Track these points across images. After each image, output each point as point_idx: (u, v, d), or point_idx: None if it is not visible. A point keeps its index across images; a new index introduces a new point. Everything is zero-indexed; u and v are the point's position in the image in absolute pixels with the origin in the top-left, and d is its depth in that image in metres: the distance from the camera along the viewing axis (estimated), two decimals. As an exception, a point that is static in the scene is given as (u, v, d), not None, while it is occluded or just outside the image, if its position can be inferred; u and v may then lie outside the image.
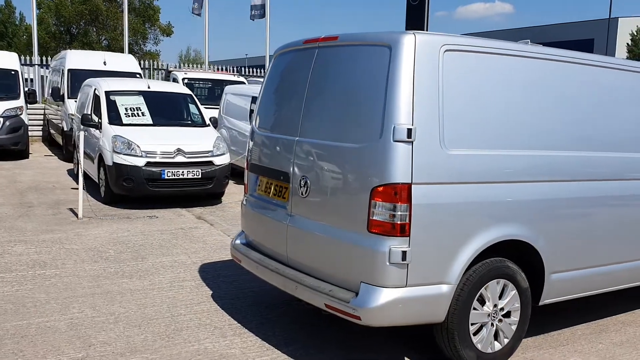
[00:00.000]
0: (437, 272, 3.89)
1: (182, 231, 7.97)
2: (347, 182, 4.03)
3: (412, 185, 3.73)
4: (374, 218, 3.79)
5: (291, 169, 4.44)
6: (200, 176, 9.34)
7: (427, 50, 3.83)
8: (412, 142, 3.71)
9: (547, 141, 4.34)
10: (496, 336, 4.24)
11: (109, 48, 41.54)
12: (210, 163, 9.47)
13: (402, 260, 3.74)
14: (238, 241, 5.16)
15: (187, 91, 11.18)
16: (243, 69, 23.85)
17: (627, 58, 49.03)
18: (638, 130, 4.96)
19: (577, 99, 4.55)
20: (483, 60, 4.08)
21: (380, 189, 3.75)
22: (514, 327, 4.31)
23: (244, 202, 5.23)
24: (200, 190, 9.51)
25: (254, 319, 5.01)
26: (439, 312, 3.93)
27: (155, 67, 23.70)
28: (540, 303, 4.48)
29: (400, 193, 3.71)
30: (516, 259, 4.27)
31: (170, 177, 9.13)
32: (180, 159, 9.25)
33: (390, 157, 3.73)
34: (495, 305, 4.19)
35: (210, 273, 6.22)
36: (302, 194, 4.31)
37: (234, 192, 10.75)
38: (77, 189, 9.47)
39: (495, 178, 4.08)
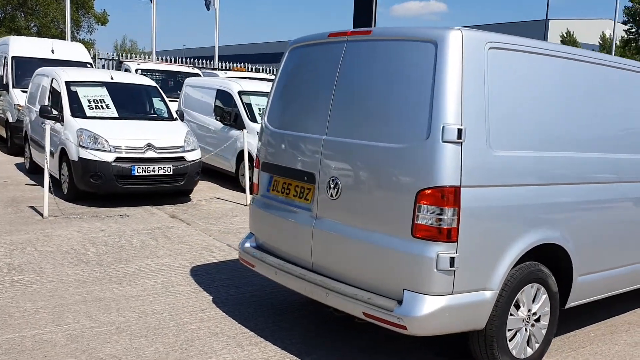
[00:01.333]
0: (481, 277, 3.76)
1: (160, 231, 7.56)
2: (388, 184, 3.82)
3: (461, 188, 3.58)
4: (419, 222, 3.62)
5: (318, 170, 4.21)
6: (171, 172, 8.92)
7: (473, 47, 3.68)
8: (461, 143, 3.56)
9: (580, 143, 4.29)
10: (528, 341, 4.16)
11: (39, 35, 39.51)
12: (182, 159, 9.06)
13: (450, 267, 3.58)
14: (248, 244, 4.87)
15: (152, 83, 10.69)
16: (196, 60, 23.16)
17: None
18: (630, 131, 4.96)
19: (602, 101, 4.54)
20: (523, 58, 3.98)
21: (427, 191, 3.58)
22: (544, 332, 4.24)
23: (253, 203, 4.95)
24: (171, 187, 9.09)
25: (267, 326, 4.75)
26: (481, 319, 3.81)
27: (92, 56, 22.63)
28: (567, 306, 4.44)
29: (448, 196, 3.55)
30: (546, 262, 4.20)
31: (141, 174, 8.68)
32: (150, 154, 8.80)
33: (439, 159, 3.56)
34: (529, 310, 4.10)
35: (204, 277, 5.89)
36: (331, 196, 4.08)
37: (202, 189, 10.37)
38: (33, 185, 8.86)
39: (536, 180, 3.99)
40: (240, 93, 11.14)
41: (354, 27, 23.98)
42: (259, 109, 11.05)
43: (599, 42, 61.90)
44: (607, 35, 62.82)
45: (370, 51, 4.08)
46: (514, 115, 3.89)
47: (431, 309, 3.58)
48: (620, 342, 4.88)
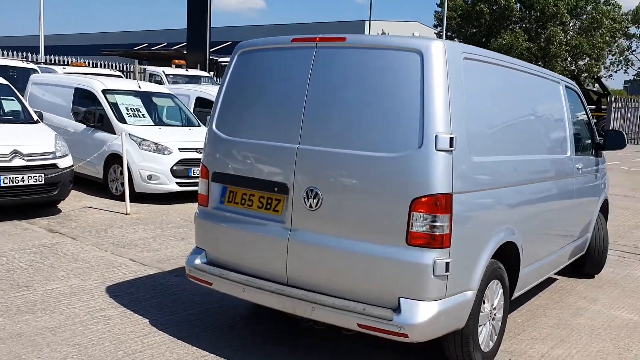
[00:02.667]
0: (465, 279, 3.90)
1: (47, 249, 6.77)
2: (378, 193, 3.80)
3: (453, 195, 3.68)
4: (414, 230, 3.66)
5: (291, 180, 4.06)
6: (43, 182, 8.02)
7: (453, 57, 3.80)
8: (452, 151, 3.65)
9: (527, 146, 4.64)
10: (491, 334, 4.40)
11: None
12: (54, 166, 8.19)
13: (445, 272, 3.67)
14: (198, 261, 4.55)
15: (3, 80, 9.49)
16: (16, 53, 20.90)
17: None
18: (556, 133, 5.52)
19: (535, 107, 4.95)
20: (488, 69, 4.19)
21: (423, 199, 3.63)
22: (500, 324, 4.51)
23: (200, 216, 4.63)
24: (43, 198, 8.18)
25: (225, 345, 4.49)
26: (464, 318, 3.95)
27: None
28: (512, 297, 4.77)
29: (442, 204, 3.64)
30: (500, 258, 4.47)
31: (8, 185, 7.69)
32: (18, 162, 7.83)
33: (433, 167, 3.63)
34: (492, 305, 4.34)
35: (125, 297, 5.40)
36: (310, 207, 3.96)
37: (67, 198, 9.45)
38: None
39: (503, 183, 4.24)
40: (104, 92, 10.34)
41: (188, 22, 23.59)
42: (127, 108, 10.35)
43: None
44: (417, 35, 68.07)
45: (346, 58, 4.01)
46: (483, 123, 4.09)
47: (430, 315, 3.65)
48: (545, 325, 5.35)
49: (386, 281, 3.75)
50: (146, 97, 10.95)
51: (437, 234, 3.64)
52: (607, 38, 44.32)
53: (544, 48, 43.44)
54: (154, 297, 5.45)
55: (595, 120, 30.51)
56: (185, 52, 31.06)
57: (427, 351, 4.49)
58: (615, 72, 49.72)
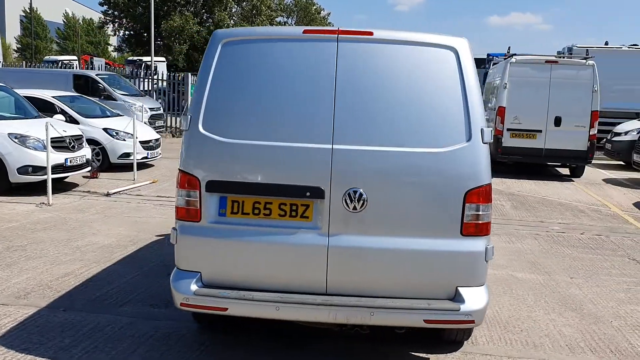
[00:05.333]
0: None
1: None
2: (429, 188, 3.80)
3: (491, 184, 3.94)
4: (468, 221, 3.82)
5: (328, 182, 3.78)
6: None
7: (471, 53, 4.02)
8: (489, 143, 3.90)
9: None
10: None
11: None
12: None
13: (492, 256, 3.94)
14: (194, 286, 3.89)
15: None
16: None
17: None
18: None
19: None
20: None
21: (475, 190, 3.81)
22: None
23: (188, 233, 3.95)
24: None
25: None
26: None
27: None
28: None
29: (489, 193, 3.88)
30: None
31: None
32: None
33: (481, 159, 3.82)
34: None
35: (29, 346, 4.28)
36: (354, 209, 3.77)
37: None
38: None
39: None
40: None
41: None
42: None
43: (64, 21, 62.18)
44: (70, 14, 63.67)
45: (374, 53, 3.87)
46: None
47: (486, 298, 3.88)
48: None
49: (443, 273, 3.84)
50: None
51: (485, 222, 3.87)
52: (267, 24, 48.09)
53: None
54: (75, 347, 4.42)
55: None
56: None
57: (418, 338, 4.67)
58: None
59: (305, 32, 3.92)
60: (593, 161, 14.47)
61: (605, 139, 16.25)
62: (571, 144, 13.51)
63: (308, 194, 3.80)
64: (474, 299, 3.81)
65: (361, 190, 3.77)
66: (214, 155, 3.91)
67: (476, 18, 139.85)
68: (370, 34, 3.88)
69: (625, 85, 18.59)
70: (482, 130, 3.81)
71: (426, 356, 4.47)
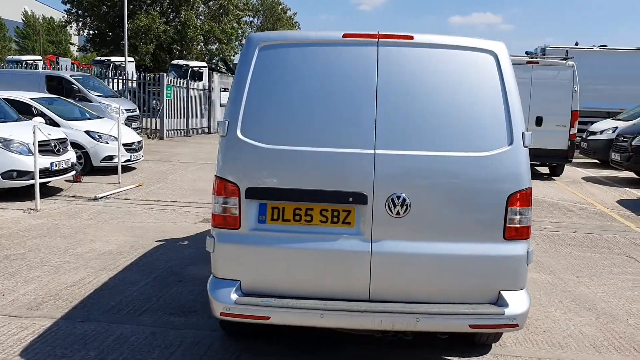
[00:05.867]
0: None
1: None
2: (472, 192, 3.79)
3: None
4: (510, 225, 3.82)
5: (371, 188, 3.74)
6: None
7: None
8: (528, 147, 3.92)
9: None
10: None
11: None
12: None
13: (532, 259, 3.95)
14: (235, 295, 3.81)
15: None
16: None
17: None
18: None
19: None
20: None
21: (517, 195, 3.81)
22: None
23: (228, 241, 3.86)
24: None
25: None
26: None
27: None
28: None
29: (529, 197, 3.89)
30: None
31: None
32: None
33: (522, 163, 3.83)
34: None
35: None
36: (397, 214, 3.74)
37: None
38: None
39: None
40: None
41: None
42: None
43: (23, 19, 60.71)
44: (30, 13, 62.15)
45: (415, 57, 3.84)
46: None
47: (528, 301, 3.89)
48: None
49: (486, 278, 3.83)
50: None
51: (526, 225, 3.88)
52: (234, 24, 47.76)
53: (181, 31, 44.45)
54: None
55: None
56: None
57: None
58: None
59: (345, 36, 3.87)
60: (569, 159, 14.78)
61: (580, 138, 16.60)
62: (552, 143, 13.75)
63: (351, 199, 3.76)
64: (516, 302, 3.82)
65: (404, 195, 3.75)
66: (254, 162, 3.83)
67: (439, 18, 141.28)
68: (411, 37, 3.86)
69: (596, 85, 19.02)
70: (523, 133, 3.82)
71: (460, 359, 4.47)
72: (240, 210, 3.83)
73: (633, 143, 13.18)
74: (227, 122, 3.86)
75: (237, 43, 51.90)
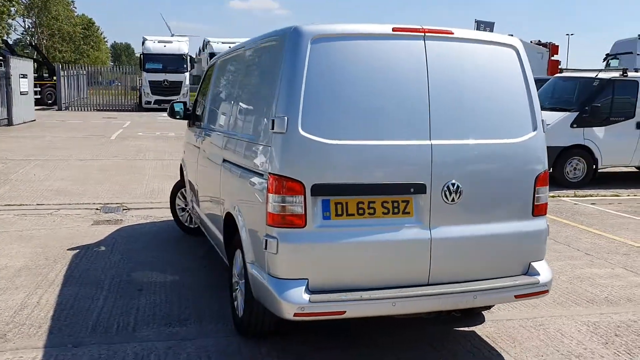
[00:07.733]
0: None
1: None
2: (510, 176, 4.12)
3: (545, 169, 4.42)
4: (537, 203, 4.25)
5: (429, 178, 3.89)
6: None
7: (519, 50, 4.44)
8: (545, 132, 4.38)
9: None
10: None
11: None
12: None
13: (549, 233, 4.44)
14: (306, 295, 3.72)
15: None
16: None
17: None
18: None
19: None
20: None
21: (542, 175, 4.26)
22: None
23: (295, 240, 3.74)
24: None
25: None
26: None
27: None
28: None
29: (548, 176, 4.36)
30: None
31: None
32: None
33: (544, 146, 4.29)
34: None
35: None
36: (452, 201, 3.95)
37: None
38: None
39: None
40: None
41: None
42: None
43: None
44: None
45: (454, 51, 4.04)
46: None
47: (550, 269, 4.37)
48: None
49: (520, 252, 4.23)
50: None
51: (545, 203, 4.35)
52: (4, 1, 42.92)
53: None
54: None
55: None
56: None
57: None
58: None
59: (394, 29, 3.94)
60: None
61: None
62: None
63: (412, 190, 3.89)
64: (544, 271, 4.27)
65: (458, 182, 3.97)
66: (319, 158, 3.75)
67: (218, 2, 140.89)
68: (451, 32, 4.06)
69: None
70: (543, 120, 4.26)
71: (469, 329, 4.84)
72: (306, 208, 3.74)
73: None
74: (286, 118, 3.72)
75: (9, 21, 46.84)
